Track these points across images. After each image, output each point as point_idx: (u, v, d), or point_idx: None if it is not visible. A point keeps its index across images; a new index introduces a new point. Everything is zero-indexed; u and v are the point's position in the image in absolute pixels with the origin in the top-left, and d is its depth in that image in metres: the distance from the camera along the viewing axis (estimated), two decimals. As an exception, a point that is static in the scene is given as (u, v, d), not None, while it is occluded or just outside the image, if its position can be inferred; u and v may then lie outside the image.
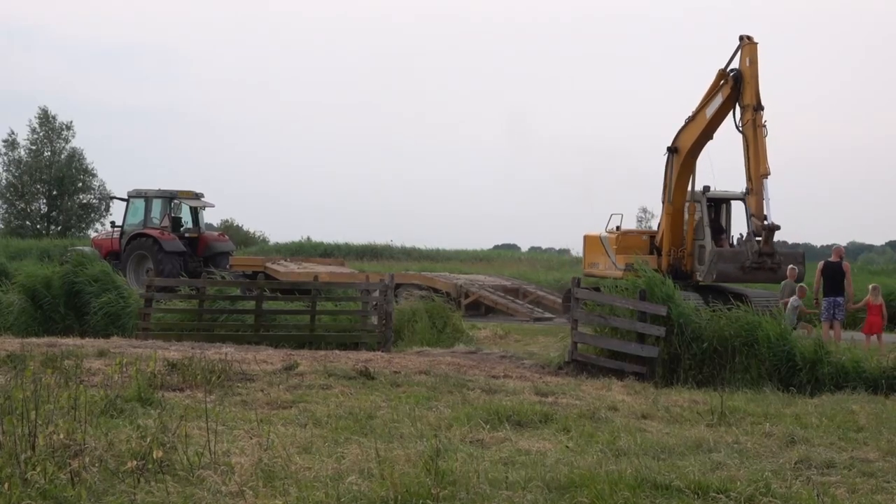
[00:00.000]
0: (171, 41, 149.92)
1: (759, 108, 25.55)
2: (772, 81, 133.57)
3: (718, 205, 28.20)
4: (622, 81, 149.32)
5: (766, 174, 25.24)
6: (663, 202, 28.06)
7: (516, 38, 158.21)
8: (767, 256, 25.51)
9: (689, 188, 27.77)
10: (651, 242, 29.03)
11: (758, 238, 25.64)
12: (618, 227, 29.61)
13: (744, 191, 26.90)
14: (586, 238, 30.50)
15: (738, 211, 27.77)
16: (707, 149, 27.51)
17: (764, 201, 25.40)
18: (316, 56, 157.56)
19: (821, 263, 22.17)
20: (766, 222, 25.45)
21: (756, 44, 26.03)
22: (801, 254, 27.07)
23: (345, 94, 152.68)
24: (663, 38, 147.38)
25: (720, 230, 27.73)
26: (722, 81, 26.50)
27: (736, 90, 26.04)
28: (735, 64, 26.32)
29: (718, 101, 26.46)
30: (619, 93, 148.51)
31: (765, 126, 25.52)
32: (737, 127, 26.18)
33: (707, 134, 26.97)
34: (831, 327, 21.35)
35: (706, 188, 27.34)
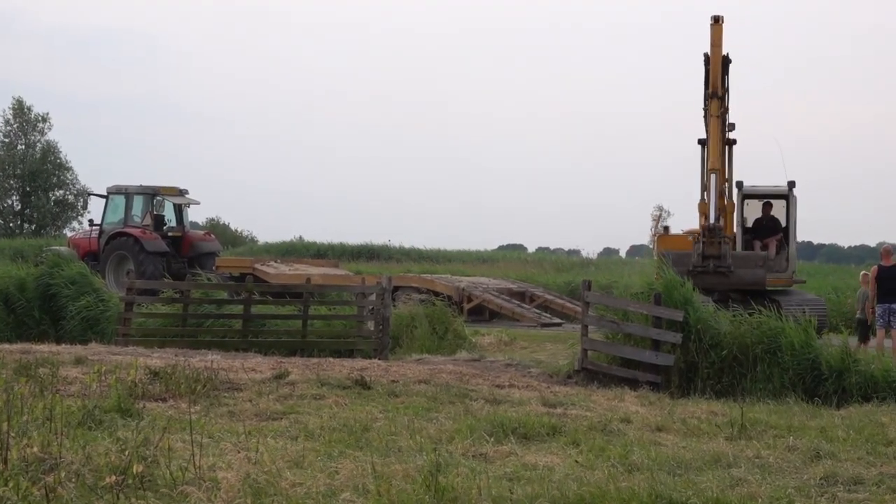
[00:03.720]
0: (154, 28, 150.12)
1: (713, 95, 24.91)
2: (809, 73, 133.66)
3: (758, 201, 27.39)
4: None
5: (713, 169, 24.48)
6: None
7: (524, 30, 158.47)
8: (713, 259, 24.36)
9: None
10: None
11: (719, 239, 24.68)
12: (666, 228, 29.11)
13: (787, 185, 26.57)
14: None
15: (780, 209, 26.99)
16: (777, 138, 26.72)
17: (713, 199, 24.52)
18: (309, 45, 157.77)
19: (874, 268, 21.96)
20: (710, 222, 24.55)
21: (720, 25, 25.29)
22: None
23: (339, 84, 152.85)
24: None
25: (768, 230, 26.85)
26: None
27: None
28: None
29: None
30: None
31: (720, 117, 24.74)
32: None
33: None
34: (887, 335, 21.26)
35: (739, 183, 26.79)
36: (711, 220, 24.48)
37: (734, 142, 27.07)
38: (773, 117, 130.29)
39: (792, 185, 26.47)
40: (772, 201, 26.78)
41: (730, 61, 25.49)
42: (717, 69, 25.01)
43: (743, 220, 27.26)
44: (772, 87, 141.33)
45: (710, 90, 24.95)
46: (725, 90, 25.60)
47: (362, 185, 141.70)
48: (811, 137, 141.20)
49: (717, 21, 25.36)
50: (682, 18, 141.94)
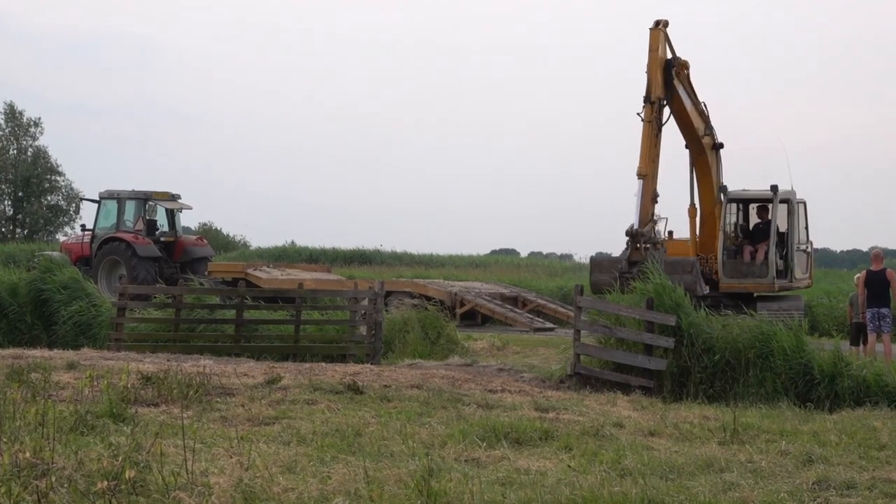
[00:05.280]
0: (146, 31, 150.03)
1: (646, 99, 24.75)
2: (804, 74, 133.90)
3: (747, 206, 27.38)
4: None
5: (641, 174, 24.33)
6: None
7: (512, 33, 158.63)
8: (638, 265, 23.74)
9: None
10: None
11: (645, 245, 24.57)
12: (670, 233, 29.02)
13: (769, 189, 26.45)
14: None
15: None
16: (783, 143, 26.12)
17: (639, 204, 24.33)
18: (300, 49, 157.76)
19: (862, 273, 22.06)
20: (632, 227, 24.34)
21: (657, 30, 25.07)
22: (690, 262, 25.00)
23: (332, 88, 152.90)
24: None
25: (764, 235, 26.59)
26: None
27: None
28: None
29: None
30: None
31: (652, 122, 24.53)
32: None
33: (681, 127, 26.42)
34: (879, 339, 21.31)
35: (724, 188, 26.71)
36: (635, 226, 24.40)
37: (721, 145, 26.99)
38: (772, 122, 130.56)
39: (774, 189, 26.32)
40: (767, 205, 26.68)
41: (673, 66, 25.16)
42: (652, 74, 24.81)
43: (740, 224, 27.23)
44: (770, 91, 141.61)
45: (645, 93, 24.89)
46: (671, 95, 25.19)
47: (354, 190, 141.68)
48: (806, 142, 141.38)
49: (656, 25, 25.25)
50: (681, 22, 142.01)
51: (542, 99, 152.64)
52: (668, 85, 25.06)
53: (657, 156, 24.78)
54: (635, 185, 24.50)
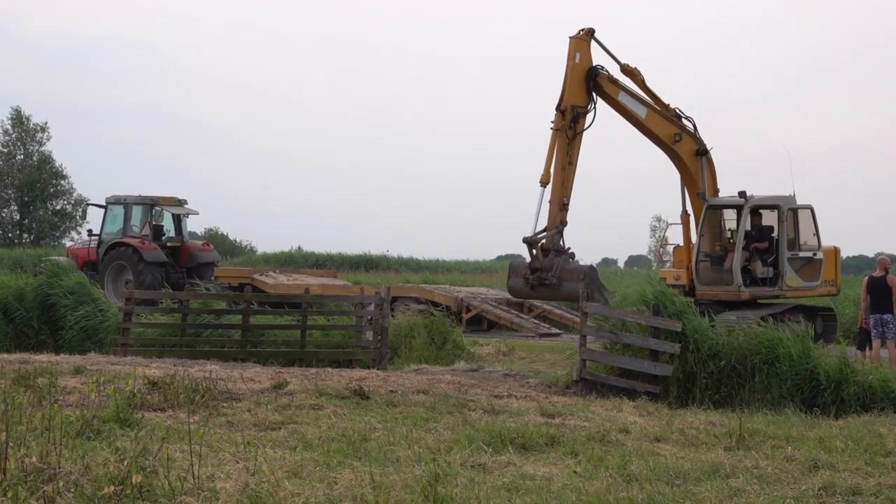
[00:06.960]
0: (152, 37, 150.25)
1: (557, 107, 24.72)
2: (808, 81, 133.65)
3: (756, 213, 26.68)
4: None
5: (541, 182, 24.36)
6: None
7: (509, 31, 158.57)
8: (538, 271, 24.37)
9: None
10: None
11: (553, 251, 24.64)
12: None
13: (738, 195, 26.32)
14: None
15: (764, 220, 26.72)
16: (790, 154, 25.69)
17: (538, 211, 24.41)
18: (306, 54, 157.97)
19: (865, 278, 22.05)
20: (530, 235, 24.51)
21: (576, 38, 25.03)
22: (583, 270, 25.06)
23: (338, 94, 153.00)
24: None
25: (755, 241, 25.87)
26: None
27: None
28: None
29: None
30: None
31: (561, 131, 24.49)
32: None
33: (643, 134, 26.25)
34: (883, 345, 21.27)
35: (702, 194, 26.52)
36: (532, 233, 24.45)
37: (706, 151, 26.73)
38: (774, 126, 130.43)
39: (742, 195, 26.05)
40: (760, 212, 26.45)
41: (597, 74, 25.00)
42: (567, 82, 24.75)
43: (741, 231, 27.06)
44: (774, 96, 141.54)
45: (557, 102, 24.83)
46: (595, 103, 25.13)
47: (361, 195, 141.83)
48: (811, 147, 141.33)
49: (577, 33, 25.07)
50: (690, 29, 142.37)
51: (547, 102, 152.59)
52: (598, 92, 25.10)
53: (570, 164, 24.76)
54: (538, 192, 24.57)
